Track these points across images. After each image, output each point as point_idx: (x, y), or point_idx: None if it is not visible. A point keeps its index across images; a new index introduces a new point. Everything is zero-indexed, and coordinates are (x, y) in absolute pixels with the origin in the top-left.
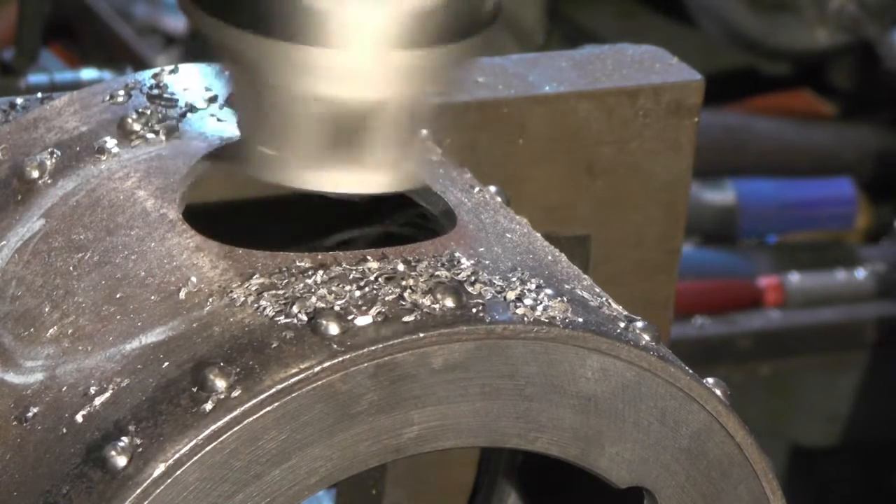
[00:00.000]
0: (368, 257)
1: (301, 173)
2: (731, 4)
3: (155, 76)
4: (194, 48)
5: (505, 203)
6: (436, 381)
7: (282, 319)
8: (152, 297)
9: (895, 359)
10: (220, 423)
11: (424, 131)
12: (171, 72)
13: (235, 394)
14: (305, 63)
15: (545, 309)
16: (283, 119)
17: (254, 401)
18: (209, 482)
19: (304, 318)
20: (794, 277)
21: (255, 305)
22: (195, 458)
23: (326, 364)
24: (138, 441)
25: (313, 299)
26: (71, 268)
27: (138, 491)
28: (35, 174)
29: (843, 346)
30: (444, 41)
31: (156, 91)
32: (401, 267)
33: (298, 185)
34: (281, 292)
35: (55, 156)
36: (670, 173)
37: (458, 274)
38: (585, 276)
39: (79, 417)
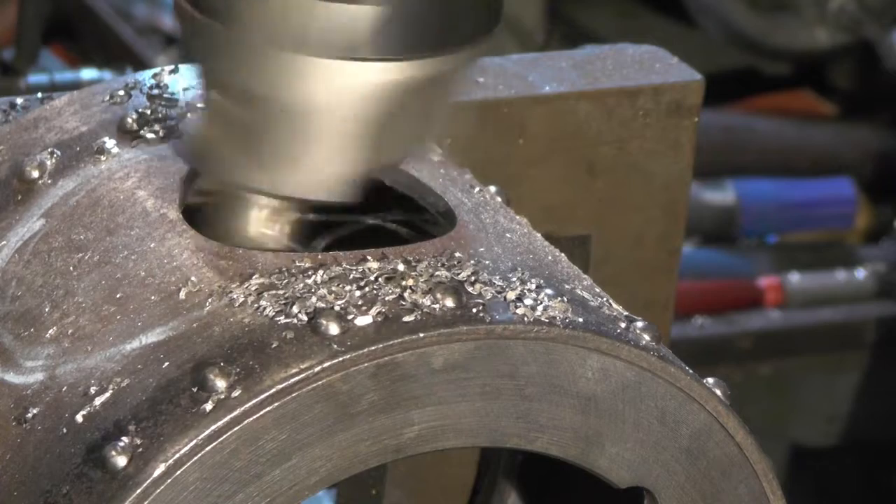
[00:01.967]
0: (368, 257)
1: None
2: (731, 4)
3: (155, 76)
4: None
5: (505, 203)
6: (436, 381)
7: (282, 319)
8: (152, 297)
9: (895, 359)
10: (220, 423)
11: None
12: (172, 72)
13: (235, 394)
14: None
15: (545, 309)
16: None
17: (254, 401)
18: (209, 482)
19: (304, 318)
20: (794, 277)
21: (255, 305)
22: (195, 458)
23: (326, 364)
24: (138, 441)
25: (313, 299)
26: (71, 268)
27: (138, 491)
28: (35, 174)
29: (843, 346)
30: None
31: (156, 91)
32: (401, 267)
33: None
34: (281, 292)
35: (55, 156)
36: (670, 173)
37: (458, 274)
38: (585, 276)
39: (79, 417)
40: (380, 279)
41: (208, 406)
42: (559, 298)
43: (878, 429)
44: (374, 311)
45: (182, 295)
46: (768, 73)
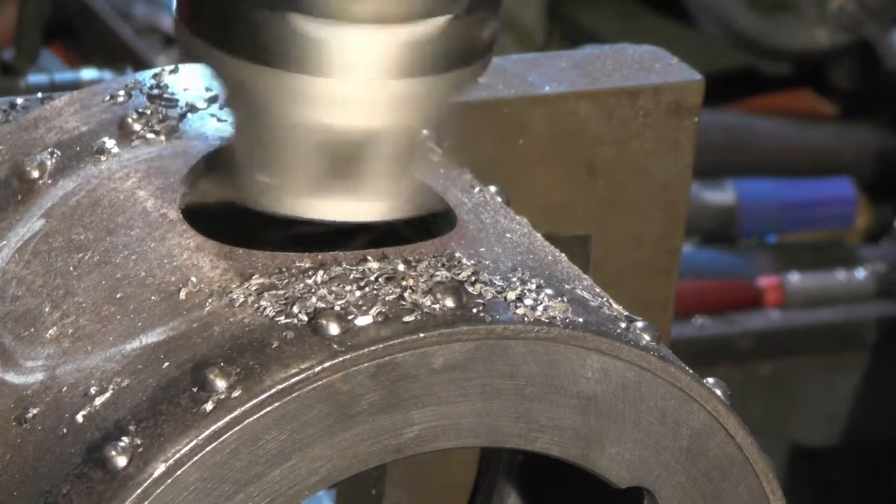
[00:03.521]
0: (369, 257)
1: (298, 202)
2: (731, 4)
3: (155, 76)
4: None
5: (505, 203)
6: (436, 381)
7: (282, 319)
8: (152, 297)
9: (895, 359)
10: (220, 424)
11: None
12: (172, 72)
13: (236, 394)
14: (303, 92)
15: (545, 309)
16: (281, 147)
17: (254, 401)
18: (209, 482)
19: (305, 318)
20: (794, 277)
21: (256, 305)
22: (195, 458)
23: (327, 364)
24: (138, 441)
25: (313, 299)
26: (71, 268)
27: (138, 491)
28: (35, 174)
29: (843, 346)
30: (440, 70)
31: (156, 91)
32: (401, 267)
33: (295, 214)
34: (281, 292)
35: (55, 156)
36: (670, 173)
37: (459, 274)
38: (585, 276)
39: (79, 417)
40: (380, 279)
41: (208, 406)
42: (559, 298)
43: (878, 429)
44: (374, 311)
45: (182, 295)
46: (768, 73)
